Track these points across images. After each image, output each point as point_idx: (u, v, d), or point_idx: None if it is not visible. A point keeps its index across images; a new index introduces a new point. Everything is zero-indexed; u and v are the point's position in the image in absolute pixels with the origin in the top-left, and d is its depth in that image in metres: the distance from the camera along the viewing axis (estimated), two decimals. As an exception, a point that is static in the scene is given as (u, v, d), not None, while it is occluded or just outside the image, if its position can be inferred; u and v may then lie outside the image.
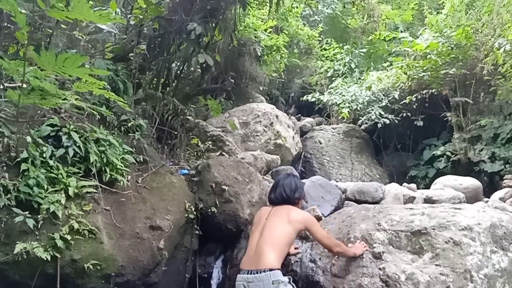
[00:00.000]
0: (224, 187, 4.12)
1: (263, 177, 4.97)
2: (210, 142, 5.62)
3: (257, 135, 7.32)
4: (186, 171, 4.49)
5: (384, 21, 8.98)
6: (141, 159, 4.02)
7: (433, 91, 8.18)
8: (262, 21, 8.68)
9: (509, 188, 6.00)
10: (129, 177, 3.81)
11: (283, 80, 10.10)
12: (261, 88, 8.94)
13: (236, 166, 4.39)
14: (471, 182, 5.85)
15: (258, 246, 3.03)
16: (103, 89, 2.46)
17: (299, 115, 11.42)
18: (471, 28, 7.27)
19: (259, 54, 8.18)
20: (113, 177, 3.65)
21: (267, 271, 2.90)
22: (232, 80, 5.41)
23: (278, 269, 2.93)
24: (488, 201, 5.33)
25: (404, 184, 5.73)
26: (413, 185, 5.64)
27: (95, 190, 3.50)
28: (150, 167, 4.04)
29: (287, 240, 3.08)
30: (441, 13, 8.77)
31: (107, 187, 3.61)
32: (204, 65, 4.66)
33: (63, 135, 3.50)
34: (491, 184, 7.33)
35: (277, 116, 7.63)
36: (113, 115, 3.93)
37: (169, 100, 4.43)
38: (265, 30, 8.64)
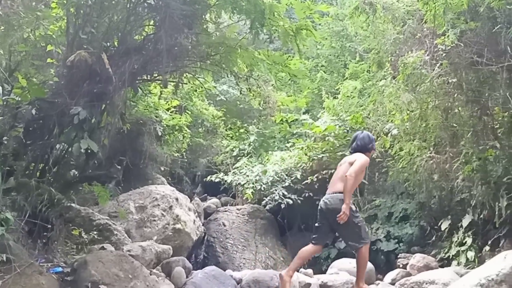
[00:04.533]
0: (102, 286, 3.86)
1: (151, 271, 4.76)
2: (95, 232, 5.32)
3: (155, 220, 7.13)
4: (60, 269, 4.15)
5: (279, 107, 9.72)
6: (4, 259, 3.65)
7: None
8: (165, 100, 8.85)
9: (401, 269, 6.39)
10: (-15, 281, 3.41)
11: (185, 160, 10.17)
12: (162, 169, 8.87)
13: (119, 261, 4.17)
14: (365, 265, 6.09)
15: (333, 181, 4.96)
16: None
17: (205, 195, 11.42)
18: (360, 115, 8.09)
19: (159, 133, 8.22)
20: (-37, 283, 3.24)
21: (338, 193, 4.71)
22: (119, 167, 5.32)
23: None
24: (379, 283, 5.60)
25: (301, 269, 5.84)
26: (310, 271, 5.78)
27: None
28: (14, 267, 3.67)
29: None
30: (337, 98, 9.70)
31: (-46, 297, 3.18)
32: (89, 150, 4.54)
33: None
34: (388, 263, 7.72)
35: (177, 199, 7.56)
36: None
37: (44, 188, 4.18)
38: (168, 109, 8.79)
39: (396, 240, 7.94)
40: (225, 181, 9.66)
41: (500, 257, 4.24)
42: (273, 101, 8.94)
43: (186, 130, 8.91)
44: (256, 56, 5.02)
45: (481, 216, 6.24)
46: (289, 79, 11.37)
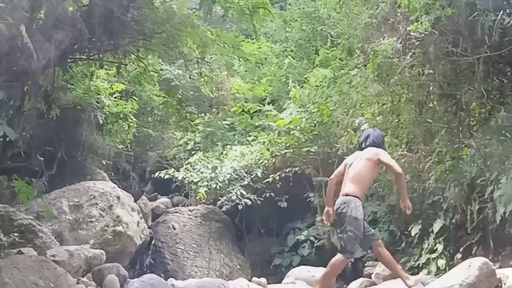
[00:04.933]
0: (16, 296, 3.74)
1: (78, 280, 4.67)
2: (16, 234, 5.15)
3: (92, 221, 7.07)
4: (-33, 277, 3.99)
5: (233, 95, 9.71)
6: None
7: (297, 169, 8.78)
8: (108, 84, 8.67)
9: (365, 278, 6.50)
10: None
11: (131, 153, 10.02)
12: (104, 162, 8.72)
13: (38, 268, 4.07)
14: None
15: (344, 182, 5.13)
16: None
17: (156, 193, 11.30)
18: (326, 107, 8.16)
19: (101, 122, 8.08)
20: None
21: (345, 195, 5.00)
22: (42, 158, 5.16)
23: (353, 195, 4.97)
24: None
25: (254, 278, 5.87)
26: (263, 280, 5.80)
27: None
28: None
29: (367, 171, 5.08)
30: (304, 87, 9.72)
31: None
32: (8, 138, 4.38)
33: None
34: (355, 272, 7.83)
35: (118, 197, 7.51)
36: None
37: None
38: (112, 94, 8.64)
39: (364, 247, 8.09)
40: (176, 178, 9.58)
41: (465, 265, 4.38)
42: (227, 88, 8.88)
43: (132, 119, 8.78)
44: (207, 36, 4.97)
45: (453, 220, 6.41)
46: (255, 65, 11.41)
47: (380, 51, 6.35)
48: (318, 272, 6.23)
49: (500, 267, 5.25)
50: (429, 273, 6.42)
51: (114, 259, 6.63)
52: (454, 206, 6.32)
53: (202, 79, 5.70)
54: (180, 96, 9.72)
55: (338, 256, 4.94)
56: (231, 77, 9.76)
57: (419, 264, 6.78)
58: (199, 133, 10.34)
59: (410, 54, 6.21)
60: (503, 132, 5.83)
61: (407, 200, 5.17)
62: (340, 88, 7.53)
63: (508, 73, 5.97)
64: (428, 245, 6.74)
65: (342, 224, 4.91)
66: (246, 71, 10.94)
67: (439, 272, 6.23)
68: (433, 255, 6.51)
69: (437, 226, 6.58)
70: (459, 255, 6.21)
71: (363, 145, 5.37)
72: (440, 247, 6.45)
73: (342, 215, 4.94)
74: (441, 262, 6.28)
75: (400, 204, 5.28)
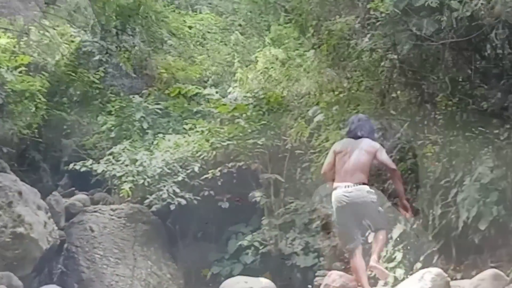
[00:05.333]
0: None
1: None
2: None
3: (-15, 221, 6.97)
4: None
5: (160, 75, 9.57)
6: None
7: (241, 164, 8.75)
8: (12, 55, 8.34)
9: (313, 291, 6.54)
10: None
11: (40, 140, 9.71)
12: (4, 150, 8.40)
13: None
14: (263, 285, 6.22)
15: (349, 171, 5.40)
16: None
17: (73, 188, 11.00)
18: (275, 93, 8.15)
19: (0, 101, 7.81)
20: None
21: (362, 184, 5.33)
22: None
23: (366, 184, 5.36)
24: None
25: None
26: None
27: None
28: None
29: (367, 163, 5.45)
30: (253, 68, 9.66)
31: None
32: None
33: None
34: (304, 283, 7.94)
35: (20, 193, 7.44)
36: None
37: None
38: (15, 68, 8.33)
39: (316, 254, 8.19)
40: (95, 171, 9.35)
41: (417, 277, 4.47)
42: (152, 66, 8.71)
43: (40, 99, 8.48)
44: (127, 4, 4.78)
45: (414, 226, 6.54)
46: (196, 41, 11.28)
47: (336, 30, 6.34)
48: (256, 283, 6.23)
49: (462, 278, 5.40)
50: (385, 284, 6.54)
51: (13, 267, 6.60)
52: (415, 210, 6.44)
53: (123, 55, 5.49)
54: (103, 74, 9.46)
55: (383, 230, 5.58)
56: (166, 54, 9.59)
57: (375, 274, 6.90)
58: (125, 117, 10.13)
59: (369, 35, 6.23)
60: (470, 128, 5.97)
61: (404, 199, 5.61)
62: (289, 71, 7.50)
63: (478, 62, 6.07)
64: (386, 253, 6.86)
65: (377, 210, 5.47)
66: (184, 47, 10.75)
67: (397, 283, 6.34)
68: (391, 264, 6.65)
69: (396, 232, 6.71)
70: (419, 265, 6.33)
71: (359, 134, 5.62)
72: (399, 256, 6.60)
73: (371, 203, 5.42)
74: (399, 272, 6.43)
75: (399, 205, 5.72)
